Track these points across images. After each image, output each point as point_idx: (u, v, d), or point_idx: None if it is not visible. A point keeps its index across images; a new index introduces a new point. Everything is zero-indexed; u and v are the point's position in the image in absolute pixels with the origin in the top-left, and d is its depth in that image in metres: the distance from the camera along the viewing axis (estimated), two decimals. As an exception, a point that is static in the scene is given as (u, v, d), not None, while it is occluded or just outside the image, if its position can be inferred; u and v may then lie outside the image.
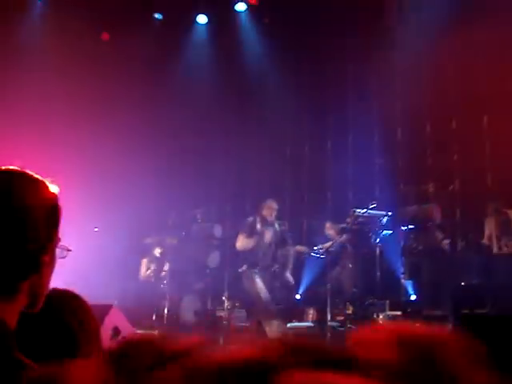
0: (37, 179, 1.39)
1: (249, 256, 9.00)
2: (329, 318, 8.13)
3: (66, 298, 1.75)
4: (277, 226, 9.21)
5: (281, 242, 9.21)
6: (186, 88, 11.36)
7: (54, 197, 1.40)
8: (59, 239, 1.40)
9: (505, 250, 7.75)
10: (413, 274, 8.30)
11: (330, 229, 9.45)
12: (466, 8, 9.24)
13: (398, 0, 10.21)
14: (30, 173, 1.39)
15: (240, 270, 9.04)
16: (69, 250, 1.50)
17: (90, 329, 1.74)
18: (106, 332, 3.55)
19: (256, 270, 8.92)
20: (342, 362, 0.83)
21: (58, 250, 1.41)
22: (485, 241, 8.06)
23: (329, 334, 7.74)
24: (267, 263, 9.05)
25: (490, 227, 8.07)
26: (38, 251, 1.31)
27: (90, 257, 10.20)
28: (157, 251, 10.39)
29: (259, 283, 8.78)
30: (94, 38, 11.57)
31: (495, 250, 7.85)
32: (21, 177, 1.37)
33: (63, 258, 1.46)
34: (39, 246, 1.31)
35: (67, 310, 1.71)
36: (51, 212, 1.38)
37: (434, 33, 9.36)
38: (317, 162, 11.04)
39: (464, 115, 9.56)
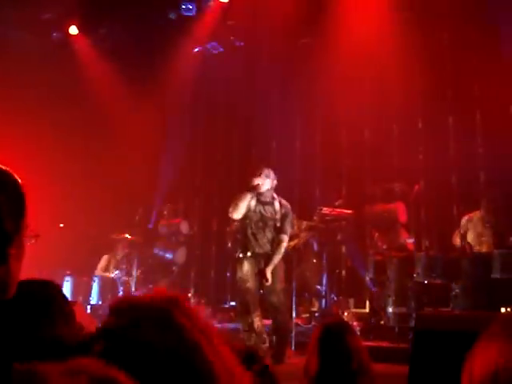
0: (3, 170, 1.35)
1: None
2: (294, 315, 8.16)
3: (45, 285, 1.84)
4: None
5: None
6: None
7: (19, 186, 1.36)
8: (27, 227, 1.38)
9: (468, 249, 7.86)
10: (377, 273, 8.39)
11: (294, 225, 9.49)
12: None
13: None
14: None
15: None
16: (37, 236, 1.48)
17: (66, 311, 1.80)
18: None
19: None
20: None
21: (26, 238, 1.38)
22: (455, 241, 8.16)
23: (294, 331, 7.76)
24: None
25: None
26: (4, 244, 1.28)
27: (55, 253, 10.12)
28: (121, 247, 10.31)
29: None
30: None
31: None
32: None
33: (32, 243, 1.45)
34: (5, 239, 1.29)
35: (46, 294, 1.79)
36: (16, 202, 1.34)
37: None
38: (284, 160, 11.08)
39: (430, 115, 9.68)
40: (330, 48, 10.10)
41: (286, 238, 6.94)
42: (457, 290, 7.30)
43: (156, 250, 10.48)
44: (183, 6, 10.59)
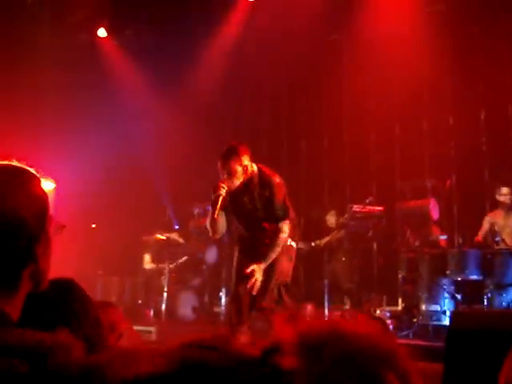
0: (23, 171, 1.38)
1: None
2: (326, 313, 8.13)
3: (70, 285, 1.80)
4: None
5: None
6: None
7: (38, 184, 1.39)
8: (51, 220, 1.40)
9: (502, 245, 7.75)
10: (410, 270, 8.30)
11: (332, 216, 9.47)
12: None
13: None
14: (14, 164, 1.38)
15: None
16: (63, 227, 1.50)
17: (90, 314, 1.77)
18: (104, 328, 3.53)
19: None
20: None
21: (53, 230, 1.41)
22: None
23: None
24: None
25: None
26: (32, 244, 1.31)
27: (88, 253, 10.23)
28: (155, 248, 10.39)
29: None
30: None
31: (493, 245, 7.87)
32: (6, 171, 1.36)
33: (60, 234, 1.48)
34: (32, 239, 1.31)
35: (70, 296, 1.76)
36: (40, 202, 1.37)
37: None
38: (313, 156, 11.04)
39: (461, 110, 9.56)
40: (360, 45, 10.05)
41: (284, 224, 5.26)
42: (491, 287, 7.20)
43: (186, 249, 10.52)
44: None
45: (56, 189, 10.62)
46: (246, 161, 5.14)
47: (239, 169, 5.14)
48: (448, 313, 7.35)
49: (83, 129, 10.83)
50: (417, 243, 8.31)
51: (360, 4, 9.85)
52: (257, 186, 5.22)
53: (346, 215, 8.93)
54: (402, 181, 9.46)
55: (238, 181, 5.18)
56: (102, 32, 11.57)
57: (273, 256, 5.13)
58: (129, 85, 11.42)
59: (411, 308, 8.08)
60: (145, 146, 11.15)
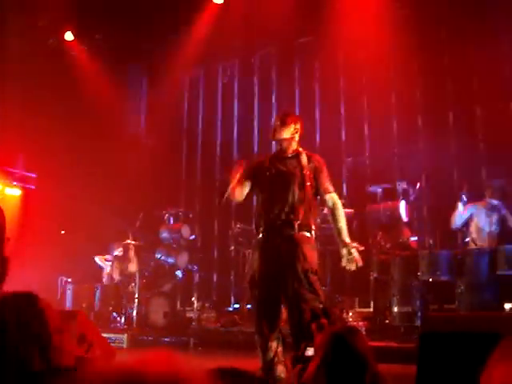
0: None
1: None
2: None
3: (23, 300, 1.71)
4: None
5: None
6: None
7: None
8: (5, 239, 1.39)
9: (471, 245, 7.82)
10: (381, 272, 8.34)
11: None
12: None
13: None
14: None
15: None
16: (8, 239, 1.50)
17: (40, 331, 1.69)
18: (72, 339, 3.47)
19: None
20: None
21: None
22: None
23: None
24: None
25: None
26: None
27: (59, 260, 10.10)
28: (124, 253, 10.27)
29: None
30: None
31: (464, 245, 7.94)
32: None
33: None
34: None
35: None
36: None
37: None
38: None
39: (430, 112, 9.64)
40: (328, 48, 10.09)
41: (336, 196, 5.05)
42: (462, 287, 7.25)
43: (158, 255, 10.44)
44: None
45: (25, 195, 10.55)
46: (298, 133, 5.07)
47: (292, 126, 5.07)
48: (419, 314, 7.39)
49: (52, 135, 10.69)
50: (388, 245, 8.35)
51: (328, 7, 9.88)
52: (305, 159, 5.00)
53: (318, 218, 8.93)
54: (373, 183, 9.50)
55: (285, 139, 5.08)
56: (69, 36, 11.45)
57: (345, 226, 4.92)
58: (97, 89, 11.31)
59: (383, 310, 8.11)
60: (114, 152, 11.05)
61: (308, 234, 4.85)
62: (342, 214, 4.98)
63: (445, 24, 9.68)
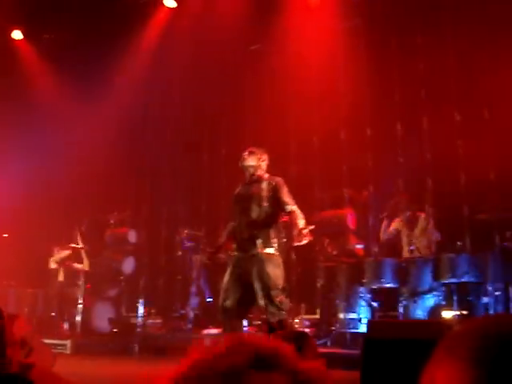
0: None
1: None
2: (245, 323, 8.10)
3: None
4: None
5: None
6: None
7: None
8: None
9: (416, 253, 7.96)
10: (328, 279, 8.40)
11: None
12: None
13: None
14: None
15: None
16: None
17: None
18: (12, 344, 3.38)
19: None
20: None
21: None
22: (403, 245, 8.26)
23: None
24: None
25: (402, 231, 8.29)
26: None
27: (1, 264, 9.85)
28: (69, 256, 10.08)
29: None
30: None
31: (407, 254, 8.07)
32: None
33: None
34: None
35: None
36: None
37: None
38: (234, 166, 11.02)
39: (378, 121, 9.78)
40: (280, 56, 10.13)
41: (295, 207, 5.71)
42: (406, 295, 7.37)
43: (103, 260, 10.29)
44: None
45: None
46: (264, 162, 6.03)
47: (257, 156, 6.02)
48: (364, 321, 7.47)
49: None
50: (334, 252, 8.42)
51: (281, 16, 9.95)
52: (265, 182, 5.82)
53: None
54: (321, 191, 9.58)
55: (250, 166, 5.93)
56: (17, 35, 11.22)
57: (302, 222, 5.62)
58: (45, 90, 11.11)
59: (329, 316, 8.18)
60: (60, 155, 10.86)
61: (271, 251, 5.59)
62: (299, 217, 5.67)
63: (394, 36, 9.85)
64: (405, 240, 8.11)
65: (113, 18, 10.68)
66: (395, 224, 8.27)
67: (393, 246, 8.24)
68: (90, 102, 10.72)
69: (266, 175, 5.93)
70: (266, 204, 5.69)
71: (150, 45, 11.21)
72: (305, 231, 5.43)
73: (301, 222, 5.58)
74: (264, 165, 5.98)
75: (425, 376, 0.77)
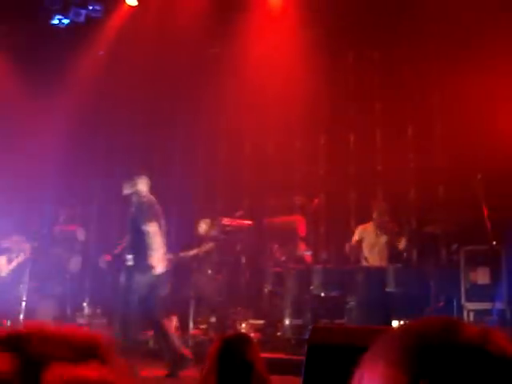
0: None
1: None
2: (191, 326, 8.07)
3: None
4: None
5: None
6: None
7: None
8: None
9: (364, 262, 8.06)
10: (276, 284, 8.44)
11: (206, 224, 9.42)
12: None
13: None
14: None
15: None
16: None
17: None
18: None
19: None
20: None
21: None
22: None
23: (190, 343, 7.69)
24: None
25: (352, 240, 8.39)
26: None
27: None
28: (13, 252, 9.87)
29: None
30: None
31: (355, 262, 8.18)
32: None
33: None
34: None
35: None
36: None
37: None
38: (187, 166, 11.01)
39: (332, 131, 9.90)
40: (239, 60, 10.15)
41: (149, 226, 6.56)
42: (352, 303, 7.47)
43: (49, 257, 10.10)
44: (90, 7, 10.35)
45: None
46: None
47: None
48: (310, 327, 7.52)
49: None
50: (283, 258, 8.46)
51: (242, 20, 9.98)
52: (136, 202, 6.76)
53: (216, 228, 8.95)
54: (272, 197, 9.62)
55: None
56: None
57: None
58: (4, 88, 10.89)
59: (275, 322, 8.21)
60: (12, 148, 10.65)
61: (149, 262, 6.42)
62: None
63: (352, 47, 9.99)
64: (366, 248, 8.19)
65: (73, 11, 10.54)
66: (359, 232, 8.34)
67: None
68: (42, 97, 10.54)
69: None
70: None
71: (108, 43, 11.09)
72: None
73: None
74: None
75: (354, 378, 0.80)
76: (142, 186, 6.87)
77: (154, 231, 6.48)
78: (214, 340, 2.72)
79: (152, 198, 6.85)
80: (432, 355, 0.73)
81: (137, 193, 6.75)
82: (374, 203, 8.58)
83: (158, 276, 6.57)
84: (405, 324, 0.81)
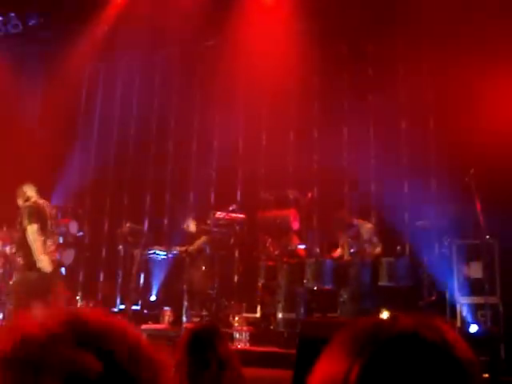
0: None
1: None
2: (184, 319, 8.08)
3: None
4: None
5: None
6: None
7: None
8: None
9: (354, 257, 8.07)
10: (269, 278, 8.44)
11: (192, 223, 9.42)
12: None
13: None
14: None
15: None
16: None
17: None
18: None
19: None
20: None
21: None
22: (339, 249, 8.40)
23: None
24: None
25: (340, 236, 8.42)
26: None
27: None
28: (3, 245, 9.83)
29: None
30: None
31: (346, 257, 8.20)
32: None
33: None
34: None
35: None
36: None
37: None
38: (180, 159, 10.99)
39: (326, 125, 9.89)
40: (234, 53, 10.14)
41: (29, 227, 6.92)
42: (345, 296, 7.48)
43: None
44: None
45: None
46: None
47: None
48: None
49: None
50: (276, 252, 8.47)
51: (235, 14, 9.96)
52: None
53: (209, 221, 8.94)
54: (266, 190, 9.62)
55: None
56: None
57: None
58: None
59: (268, 315, 8.22)
60: (8, 143, 10.63)
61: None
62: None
63: (345, 42, 9.98)
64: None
65: (64, 5, 10.50)
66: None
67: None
68: (38, 89, 10.52)
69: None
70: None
71: (102, 36, 11.04)
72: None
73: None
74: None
75: (315, 367, 0.87)
76: (30, 192, 7.41)
77: (33, 231, 6.91)
78: (184, 332, 2.72)
79: (40, 202, 7.36)
80: (373, 343, 0.82)
81: (27, 199, 7.30)
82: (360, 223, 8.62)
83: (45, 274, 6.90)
84: (355, 321, 0.89)
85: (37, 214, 7.05)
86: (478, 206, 6.83)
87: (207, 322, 8.48)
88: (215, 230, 8.90)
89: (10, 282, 8.49)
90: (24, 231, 6.97)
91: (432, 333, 0.83)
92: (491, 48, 8.12)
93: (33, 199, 7.33)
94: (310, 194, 9.04)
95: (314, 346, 2.53)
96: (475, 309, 7.18)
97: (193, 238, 9.37)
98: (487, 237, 6.96)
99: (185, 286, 8.01)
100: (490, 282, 7.05)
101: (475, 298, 7.22)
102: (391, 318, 0.87)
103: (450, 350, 0.82)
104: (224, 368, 2.28)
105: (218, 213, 8.81)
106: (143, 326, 8.47)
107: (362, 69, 9.74)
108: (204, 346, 2.35)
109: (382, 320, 0.87)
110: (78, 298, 9.93)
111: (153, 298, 9.56)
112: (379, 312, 7.22)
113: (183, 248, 9.20)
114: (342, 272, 7.62)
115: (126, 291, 9.50)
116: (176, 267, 9.27)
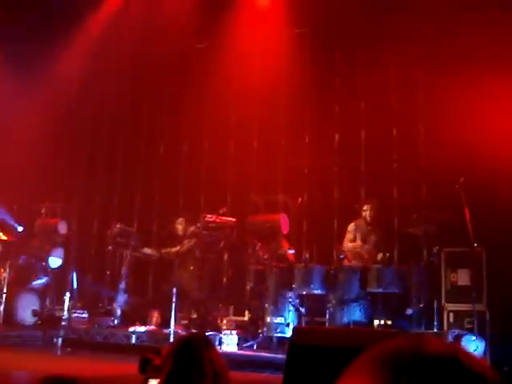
0: None
1: None
2: (173, 321, 8.07)
3: None
4: None
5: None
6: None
7: None
8: None
9: (346, 262, 8.09)
10: (257, 282, 8.46)
11: (180, 224, 9.43)
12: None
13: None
14: None
15: None
16: None
17: None
18: None
19: None
20: None
21: None
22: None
23: (172, 338, 7.68)
24: None
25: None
26: None
27: None
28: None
29: None
30: None
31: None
32: None
33: None
34: None
35: None
36: None
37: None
38: (170, 162, 10.99)
39: (317, 130, 9.92)
40: (225, 56, 10.16)
41: None
42: (333, 302, 7.51)
43: (31, 251, 10.04)
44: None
45: None
46: None
47: None
48: (292, 325, 7.56)
49: None
50: (266, 256, 8.48)
51: (229, 17, 9.99)
52: None
53: (199, 224, 8.94)
54: (256, 194, 9.63)
55: None
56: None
57: None
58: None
59: (257, 319, 8.23)
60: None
61: None
62: None
63: (337, 48, 10.01)
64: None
65: (58, 6, 10.48)
66: (352, 228, 8.40)
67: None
68: (26, 87, 10.48)
69: None
70: None
71: (95, 35, 11.03)
72: None
73: None
74: None
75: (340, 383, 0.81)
76: None
77: None
78: (173, 342, 2.69)
79: None
80: (408, 365, 0.75)
81: None
82: (366, 200, 8.67)
83: None
84: (398, 339, 0.81)
85: None
86: (467, 215, 6.88)
87: (196, 328, 8.49)
88: (205, 232, 8.91)
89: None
90: None
91: (465, 357, 0.77)
92: (482, 58, 8.17)
93: None
94: (299, 199, 9.07)
95: (304, 352, 2.55)
96: (462, 316, 7.24)
97: (182, 239, 9.37)
98: (475, 245, 7.01)
99: (174, 289, 7.99)
100: (478, 289, 7.10)
101: (462, 305, 7.27)
102: (416, 339, 0.81)
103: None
104: (216, 381, 2.27)
105: (208, 216, 8.82)
106: (130, 328, 8.47)
107: (354, 74, 9.78)
108: (192, 356, 2.33)
109: (410, 341, 0.81)
110: (65, 297, 9.88)
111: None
112: (369, 319, 7.27)
113: (173, 249, 9.21)
114: (331, 277, 7.64)
115: (115, 292, 9.48)
116: (165, 269, 9.27)
